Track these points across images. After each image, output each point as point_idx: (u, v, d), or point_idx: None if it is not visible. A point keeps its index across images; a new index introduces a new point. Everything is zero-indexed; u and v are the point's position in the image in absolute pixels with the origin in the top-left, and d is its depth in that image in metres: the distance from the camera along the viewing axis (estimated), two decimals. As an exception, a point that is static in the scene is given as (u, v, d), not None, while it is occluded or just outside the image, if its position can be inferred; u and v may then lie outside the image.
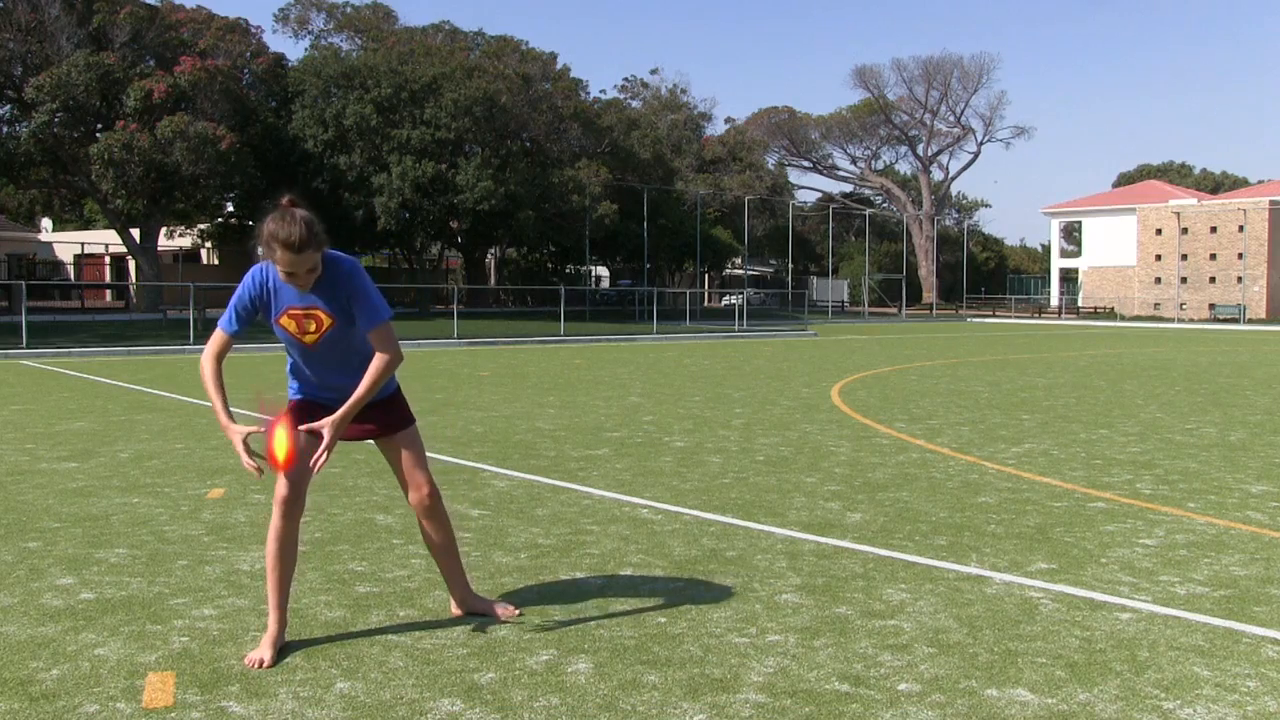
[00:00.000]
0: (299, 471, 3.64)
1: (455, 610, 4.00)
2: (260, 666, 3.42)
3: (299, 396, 3.79)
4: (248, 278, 3.61)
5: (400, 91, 37.26)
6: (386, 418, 3.82)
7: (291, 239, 3.39)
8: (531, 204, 39.02)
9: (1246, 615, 4.05)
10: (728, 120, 78.27)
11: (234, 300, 3.61)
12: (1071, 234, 74.65)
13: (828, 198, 78.31)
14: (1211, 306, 58.24)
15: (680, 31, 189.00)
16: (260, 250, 3.50)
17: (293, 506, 3.62)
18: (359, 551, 4.89)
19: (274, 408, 3.74)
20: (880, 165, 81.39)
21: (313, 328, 3.60)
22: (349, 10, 49.71)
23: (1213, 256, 59.38)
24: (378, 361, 3.58)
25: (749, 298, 53.78)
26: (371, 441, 3.89)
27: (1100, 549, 5.05)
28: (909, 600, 4.20)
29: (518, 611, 4.00)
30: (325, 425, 3.52)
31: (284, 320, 3.59)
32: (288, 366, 3.80)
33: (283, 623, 3.60)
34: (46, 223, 58.41)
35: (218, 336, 3.60)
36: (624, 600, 4.17)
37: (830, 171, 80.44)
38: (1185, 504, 6.15)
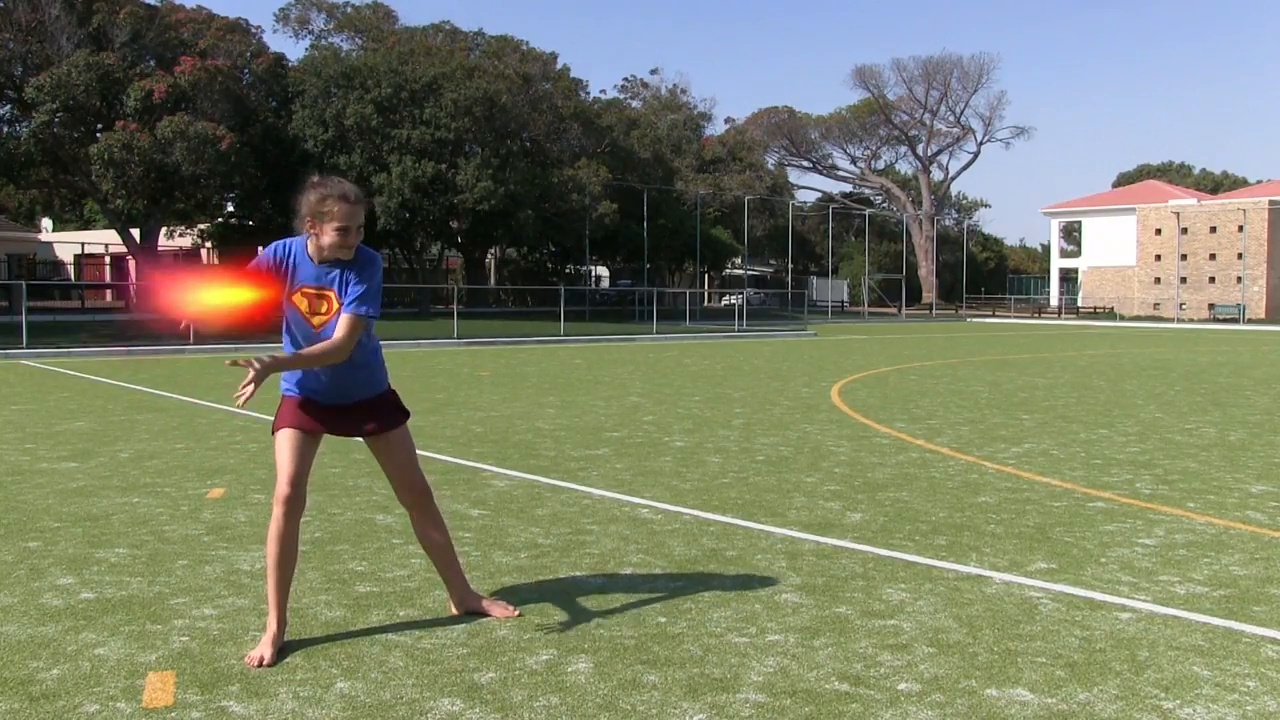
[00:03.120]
0: (299, 470, 3.64)
1: (454, 610, 4.00)
2: (260, 665, 3.42)
3: (295, 393, 3.75)
4: (271, 246, 3.67)
5: (400, 91, 37.25)
6: (377, 416, 3.80)
7: (347, 191, 3.56)
8: (531, 204, 39.01)
9: (1246, 615, 4.05)
10: (728, 120, 78.20)
11: (256, 260, 3.65)
12: (1071, 234, 74.67)
13: (827, 198, 78.30)
14: (1211, 306, 58.25)
15: (680, 31, 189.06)
16: (305, 220, 3.57)
17: (293, 505, 3.62)
18: (359, 551, 4.89)
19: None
20: (880, 165, 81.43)
21: (324, 309, 3.62)
22: (349, 10, 49.70)
23: (1212, 256, 59.39)
24: (325, 344, 3.54)
25: (749, 298, 53.78)
26: (361, 440, 3.90)
27: (1100, 549, 5.06)
28: (909, 600, 4.21)
29: (516, 611, 4.00)
30: (256, 361, 3.41)
31: (297, 297, 3.62)
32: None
33: (283, 622, 3.60)
34: (46, 223, 58.41)
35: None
36: (624, 600, 4.18)
37: (830, 171, 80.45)
38: (1185, 504, 6.15)
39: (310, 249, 3.62)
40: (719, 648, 3.64)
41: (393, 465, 3.86)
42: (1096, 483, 6.80)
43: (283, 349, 3.77)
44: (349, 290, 3.59)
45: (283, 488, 3.61)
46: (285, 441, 3.68)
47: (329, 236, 3.54)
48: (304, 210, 3.56)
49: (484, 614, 3.96)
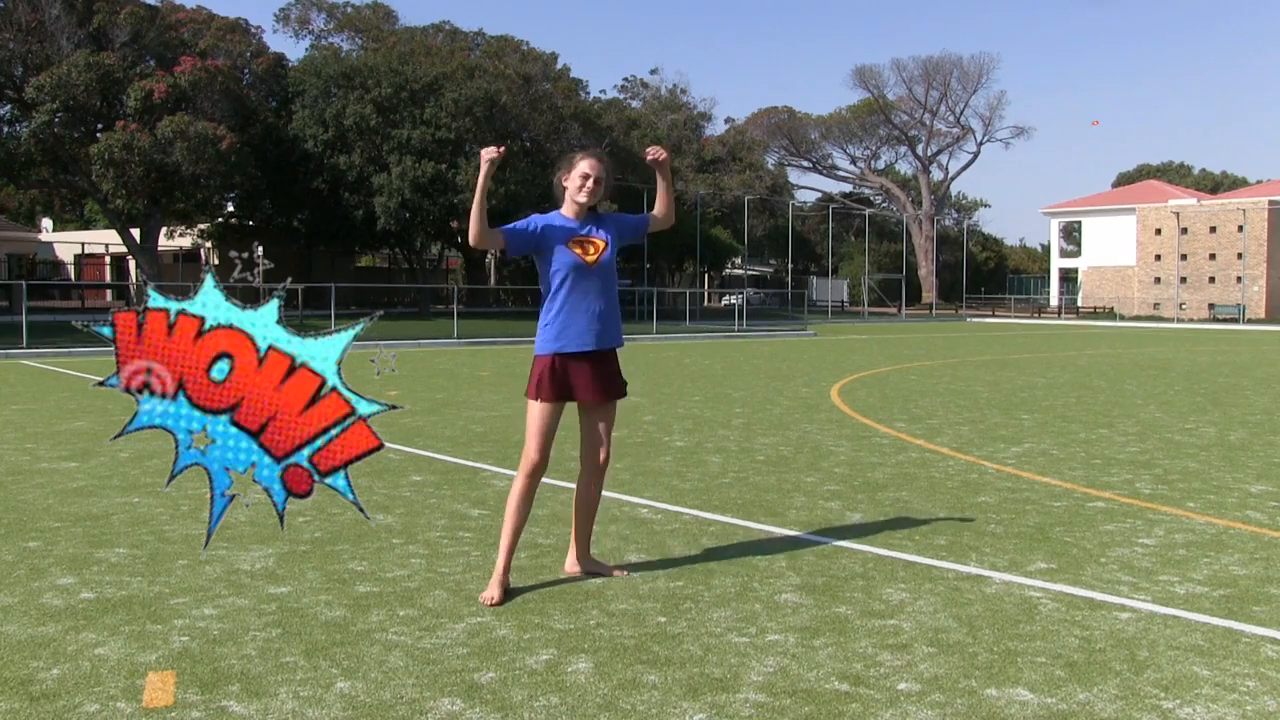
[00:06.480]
0: (547, 446, 4.29)
1: (570, 569, 4.50)
2: (491, 604, 4.02)
3: (556, 349, 4.26)
4: (530, 218, 4.39)
5: (400, 91, 37.24)
6: (614, 383, 4.39)
7: (590, 149, 4.59)
8: (532, 204, 38.96)
9: (1246, 615, 4.05)
10: (728, 120, 78.16)
11: (518, 223, 4.36)
12: (1071, 234, 74.65)
13: (827, 198, 78.28)
14: (1211, 306, 58.24)
15: (680, 31, 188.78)
16: (559, 174, 4.40)
17: (538, 472, 4.28)
18: (359, 551, 4.89)
19: None
20: (880, 165, 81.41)
21: (593, 250, 4.33)
22: (349, 10, 49.72)
23: (1212, 256, 59.39)
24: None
25: (749, 298, 53.69)
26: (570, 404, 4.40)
27: (1100, 549, 5.06)
28: (909, 600, 4.21)
29: (627, 573, 4.48)
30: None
31: (569, 244, 4.30)
32: (547, 318, 4.31)
33: (509, 567, 4.22)
34: (46, 223, 58.39)
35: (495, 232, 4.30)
36: (624, 600, 4.18)
37: (830, 171, 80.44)
38: (1185, 504, 6.16)
39: (566, 210, 4.38)
40: (719, 648, 3.64)
41: (596, 429, 4.40)
42: (1096, 483, 6.80)
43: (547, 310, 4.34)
44: (627, 228, 4.55)
45: (533, 456, 4.26)
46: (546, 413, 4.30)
47: (576, 183, 4.32)
48: (566, 161, 4.41)
49: (599, 574, 4.46)
